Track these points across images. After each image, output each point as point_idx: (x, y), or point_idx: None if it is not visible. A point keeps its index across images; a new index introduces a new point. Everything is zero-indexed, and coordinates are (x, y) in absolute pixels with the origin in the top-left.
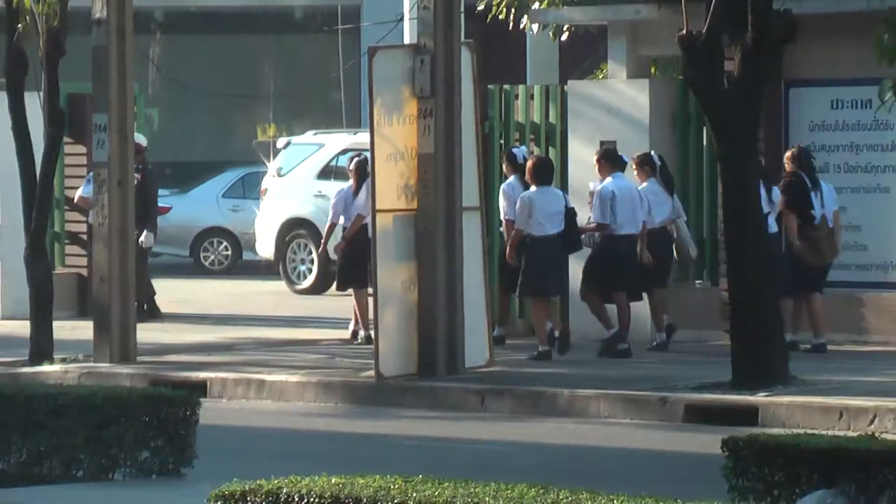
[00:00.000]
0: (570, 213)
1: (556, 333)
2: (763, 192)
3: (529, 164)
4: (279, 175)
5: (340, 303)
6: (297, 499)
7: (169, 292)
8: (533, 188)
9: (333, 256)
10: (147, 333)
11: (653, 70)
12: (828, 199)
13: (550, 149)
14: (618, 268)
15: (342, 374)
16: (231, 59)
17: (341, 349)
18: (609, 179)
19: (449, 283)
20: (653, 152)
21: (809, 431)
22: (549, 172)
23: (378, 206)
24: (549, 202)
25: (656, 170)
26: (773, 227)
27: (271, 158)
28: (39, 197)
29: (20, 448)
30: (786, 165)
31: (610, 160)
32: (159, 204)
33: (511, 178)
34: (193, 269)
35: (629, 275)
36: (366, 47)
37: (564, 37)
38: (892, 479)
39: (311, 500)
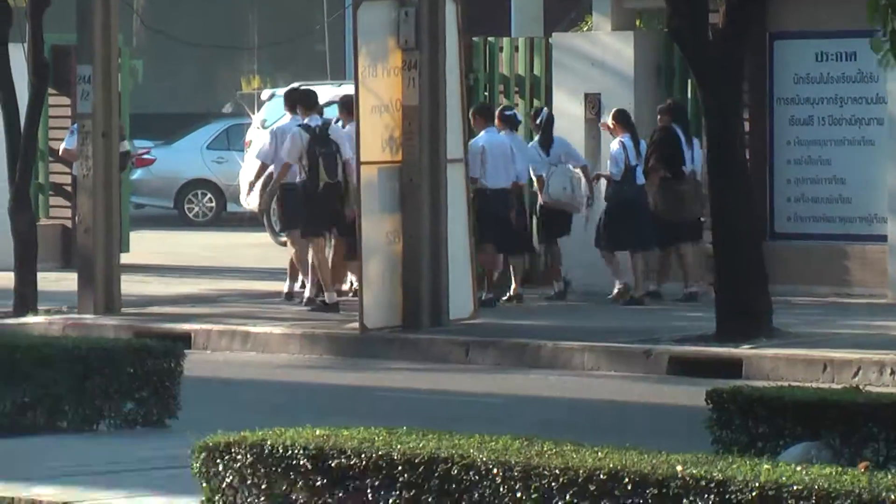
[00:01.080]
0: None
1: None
2: (631, 144)
3: (473, 109)
4: (263, 127)
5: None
6: (281, 450)
7: (153, 244)
8: (482, 134)
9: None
10: (131, 285)
11: (638, 22)
12: (697, 155)
13: (535, 100)
14: (486, 222)
15: (326, 325)
16: (215, 10)
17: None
18: (482, 133)
19: (433, 234)
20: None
21: (793, 384)
22: (513, 120)
23: (362, 158)
24: (500, 150)
25: (630, 125)
26: (639, 179)
27: (255, 110)
28: (23, 148)
29: (4, 399)
30: (658, 119)
31: (483, 115)
32: (145, 156)
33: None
34: (178, 220)
35: (500, 229)
36: None
37: None
38: (875, 432)
39: (296, 451)
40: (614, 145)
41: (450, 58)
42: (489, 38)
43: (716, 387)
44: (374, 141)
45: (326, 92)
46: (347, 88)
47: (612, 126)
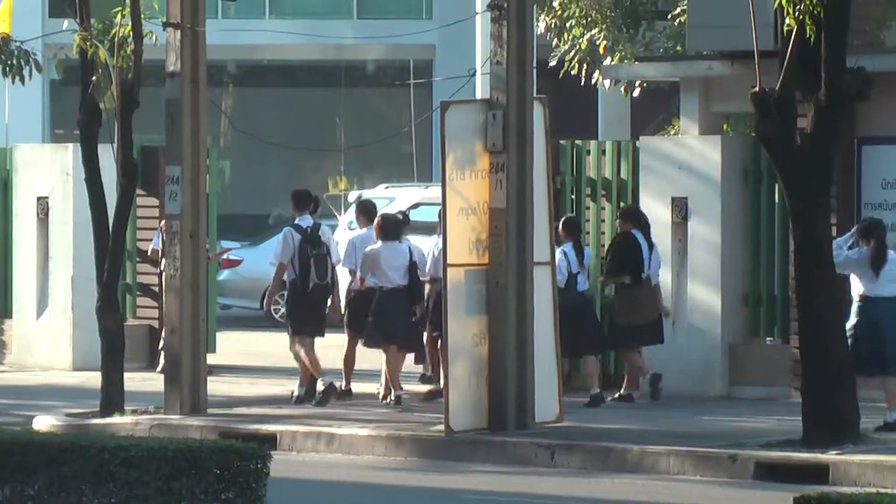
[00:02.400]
0: (413, 267)
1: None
2: (573, 252)
3: (376, 221)
4: (350, 228)
5: (409, 356)
6: None
7: (239, 344)
8: (379, 243)
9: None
10: (217, 385)
11: (725, 126)
12: (655, 260)
13: (622, 204)
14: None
15: (412, 427)
16: (303, 111)
17: (411, 403)
18: (363, 230)
19: (519, 337)
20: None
21: (882, 490)
22: (396, 229)
23: (449, 261)
24: (395, 256)
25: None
26: (581, 286)
27: (343, 212)
28: (112, 248)
29: (91, 500)
30: (618, 224)
31: (364, 212)
32: (232, 256)
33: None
34: (264, 321)
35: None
36: (438, 101)
37: (636, 93)
38: None
39: None
40: (557, 254)
41: (537, 160)
42: (576, 141)
43: (803, 493)
44: (461, 243)
45: (414, 194)
46: (434, 190)
47: (560, 233)
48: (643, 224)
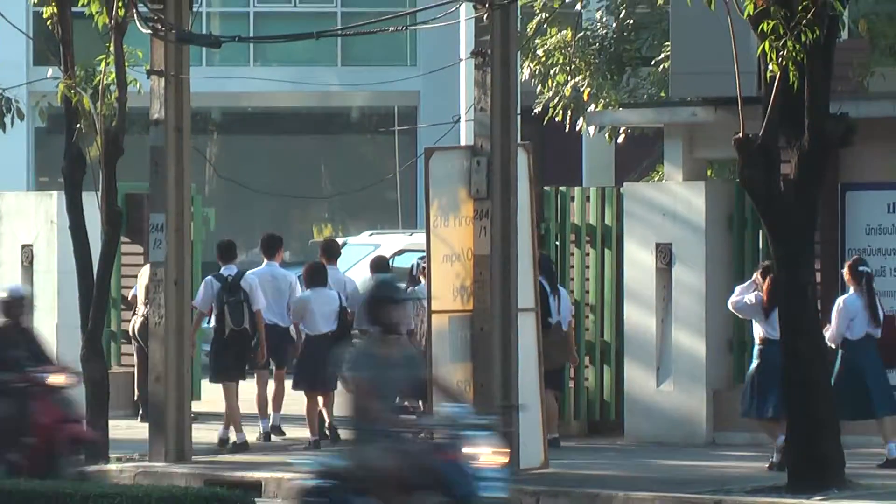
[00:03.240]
0: (343, 313)
1: (327, 425)
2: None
3: (304, 269)
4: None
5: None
6: None
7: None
8: (307, 290)
9: None
10: (203, 433)
11: (709, 172)
12: (564, 305)
13: (606, 250)
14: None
15: None
16: (287, 159)
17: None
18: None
19: (504, 383)
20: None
21: None
22: (323, 276)
23: (434, 307)
24: (323, 303)
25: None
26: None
27: None
28: (96, 296)
29: None
30: None
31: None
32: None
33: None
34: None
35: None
36: (422, 148)
37: (620, 139)
38: None
39: None
40: None
41: (521, 207)
42: (561, 188)
43: None
44: (446, 289)
45: (398, 241)
46: (419, 237)
47: (421, 276)
48: (547, 271)
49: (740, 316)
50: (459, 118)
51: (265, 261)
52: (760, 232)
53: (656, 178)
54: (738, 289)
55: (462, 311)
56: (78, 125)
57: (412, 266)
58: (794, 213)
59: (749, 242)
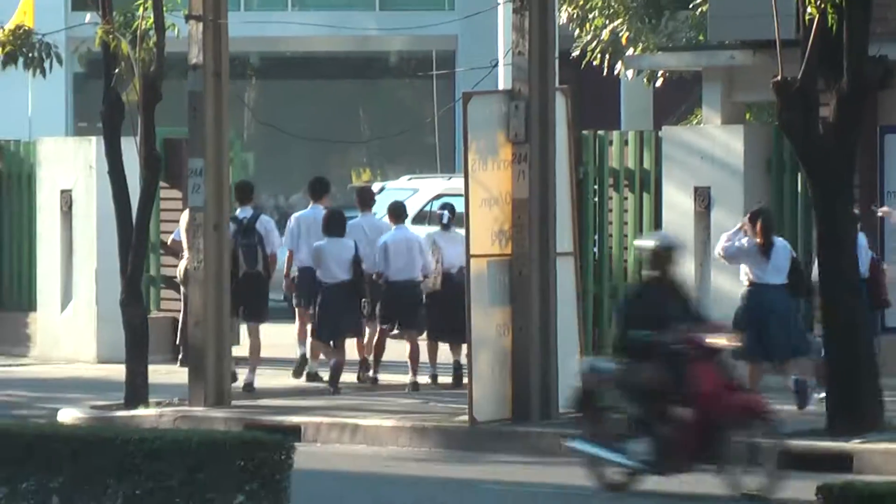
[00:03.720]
0: (357, 261)
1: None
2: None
3: (323, 217)
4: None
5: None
6: None
7: (264, 336)
8: (324, 239)
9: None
10: (242, 377)
11: (747, 116)
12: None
13: (645, 194)
14: (395, 308)
15: (436, 418)
16: (326, 103)
17: (435, 394)
18: (392, 231)
19: (543, 327)
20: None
21: None
22: (340, 225)
23: (472, 251)
24: (339, 252)
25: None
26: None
27: None
28: (135, 241)
29: (116, 492)
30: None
31: (393, 214)
32: None
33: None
34: (288, 313)
35: (407, 315)
36: (460, 92)
37: (659, 83)
38: None
39: None
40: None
41: (559, 151)
42: (599, 132)
43: (826, 481)
44: (484, 234)
45: (436, 185)
46: (457, 181)
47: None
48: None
49: (730, 263)
50: (497, 62)
51: (311, 203)
52: (799, 175)
53: (695, 122)
54: (724, 235)
55: (501, 255)
56: (116, 70)
57: (440, 214)
58: (833, 156)
59: (788, 186)
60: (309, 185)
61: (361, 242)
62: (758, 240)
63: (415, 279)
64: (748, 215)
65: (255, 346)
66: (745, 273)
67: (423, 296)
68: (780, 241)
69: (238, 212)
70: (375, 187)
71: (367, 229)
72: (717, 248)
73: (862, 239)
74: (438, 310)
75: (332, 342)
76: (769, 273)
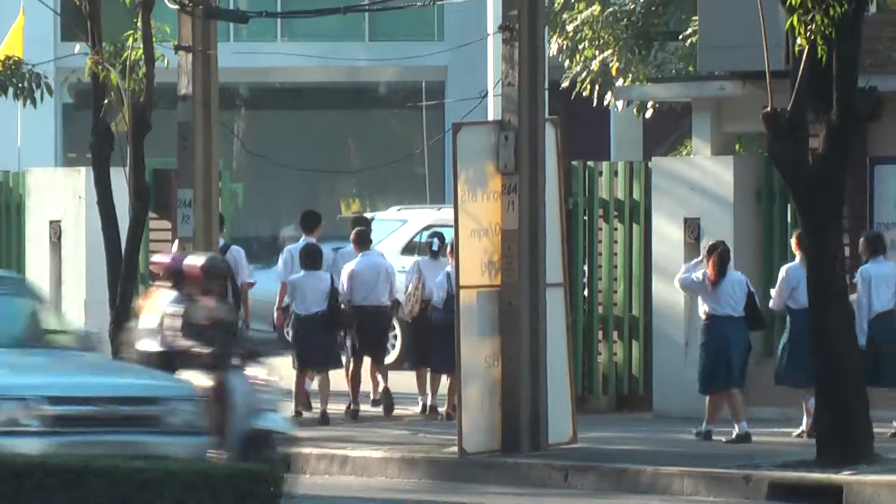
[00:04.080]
0: (333, 293)
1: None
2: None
3: (300, 250)
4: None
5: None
6: None
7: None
8: (301, 272)
9: None
10: None
11: (737, 146)
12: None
13: (634, 225)
14: (361, 333)
15: (425, 449)
16: (315, 134)
17: (424, 425)
18: (358, 258)
19: (532, 358)
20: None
21: None
22: (316, 259)
23: (462, 282)
24: (315, 284)
25: None
26: None
27: None
28: (124, 272)
29: None
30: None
31: (358, 242)
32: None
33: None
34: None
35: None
36: (450, 123)
37: (648, 113)
38: None
39: None
40: (440, 276)
41: (549, 182)
42: (588, 162)
43: None
44: (473, 265)
45: (426, 216)
46: (447, 212)
47: (448, 256)
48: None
49: (686, 293)
50: (487, 93)
51: (303, 236)
52: (789, 206)
53: (684, 153)
54: (684, 266)
55: (490, 285)
56: (106, 101)
57: (429, 242)
58: (823, 188)
59: (777, 217)
60: (301, 217)
61: (368, 284)
62: (709, 273)
63: (381, 304)
64: (707, 248)
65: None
66: (701, 307)
67: (396, 322)
68: (736, 275)
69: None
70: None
71: (368, 268)
72: (676, 279)
73: (800, 269)
74: (416, 337)
75: (310, 372)
76: (723, 306)
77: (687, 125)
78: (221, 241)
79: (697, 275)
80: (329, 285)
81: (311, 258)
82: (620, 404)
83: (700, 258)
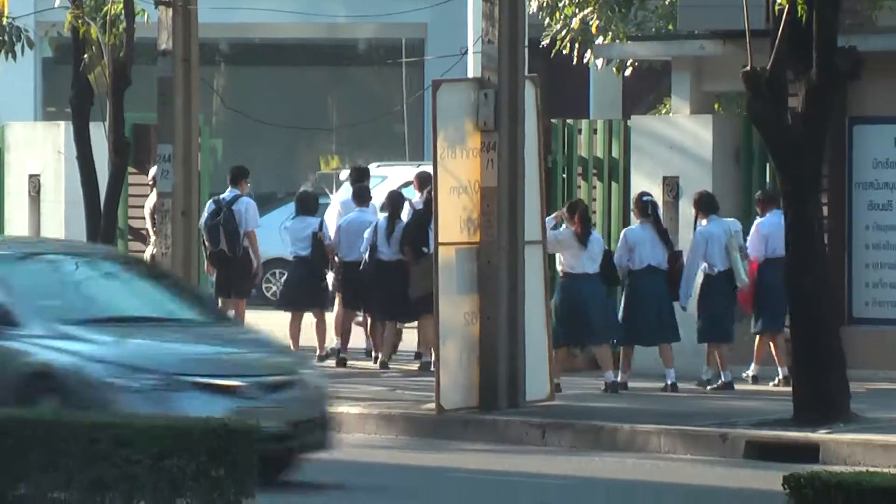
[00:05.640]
0: (315, 237)
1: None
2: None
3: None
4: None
5: (405, 334)
6: None
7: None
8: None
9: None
10: None
11: (716, 106)
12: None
13: (613, 184)
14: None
15: (403, 406)
16: (295, 90)
17: (402, 381)
18: (353, 213)
19: (511, 316)
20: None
21: (871, 469)
22: (308, 203)
23: (441, 239)
24: (301, 229)
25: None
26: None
27: (334, 190)
28: (103, 226)
29: (82, 478)
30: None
31: (357, 197)
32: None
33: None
34: (256, 299)
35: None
36: (430, 80)
37: (628, 72)
38: None
39: None
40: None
41: (528, 139)
42: (568, 121)
43: (793, 471)
44: (453, 222)
45: (405, 172)
46: (426, 169)
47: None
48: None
49: (554, 251)
50: (467, 50)
51: (229, 188)
52: (768, 166)
53: (664, 112)
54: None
55: (469, 243)
56: (85, 56)
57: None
58: (802, 147)
59: (756, 176)
60: (230, 171)
61: (351, 239)
62: (575, 229)
63: (361, 259)
64: (566, 207)
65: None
66: (559, 264)
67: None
68: (594, 234)
69: (226, 193)
70: (344, 174)
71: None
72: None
73: (639, 231)
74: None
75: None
76: (584, 262)
77: (666, 84)
78: (231, 194)
79: (560, 232)
80: (312, 230)
81: (300, 204)
82: (597, 364)
83: (555, 216)
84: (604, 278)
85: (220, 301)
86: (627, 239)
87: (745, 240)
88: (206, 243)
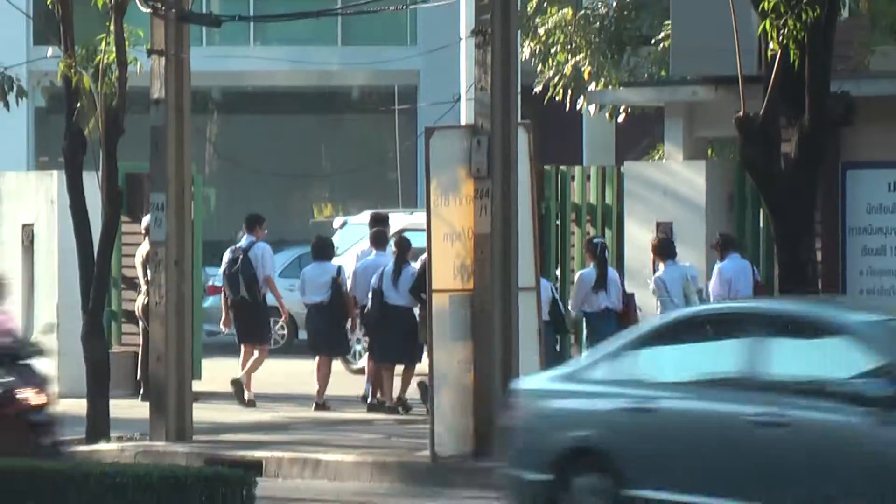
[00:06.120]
0: (336, 283)
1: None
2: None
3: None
4: (336, 254)
5: (395, 383)
6: None
7: (225, 371)
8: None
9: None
10: (203, 412)
11: (709, 152)
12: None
13: (606, 230)
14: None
15: (398, 453)
16: (288, 138)
17: (396, 428)
18: (370, 257)
19: (505, 362)
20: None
21: None
22: (324, 249)
23: (434, 286)
24: (318, 275)
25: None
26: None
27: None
28: (97, 276)
29: None
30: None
31: (374, 241)
32: (215, 283)
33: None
34: (288, 346)
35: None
36: (422, 127)
37: (621, 118)
38: None
39: None
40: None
41: (522, 186)
42: (561, 167)
43: None
44: (446, 269)
45: (399, 220)
46: (419, 216)
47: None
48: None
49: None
50: (459, 97)
51: (245, 235)
52: (761, 211)
53: (657, 158)
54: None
55: (462, 290)
56: (78, 105)
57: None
58: (795, 193)
59: (749, 221)
60: (245, 220)
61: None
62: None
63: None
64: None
65: (250, 363)
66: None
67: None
68: (544, 282)
69: (242, 241)
70: (337, 222)
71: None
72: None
73: (592, 273)
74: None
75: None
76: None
77: (659, 130)
78: (245, 242)
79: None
80: (331, 276)
81: (317, 249)
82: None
83: None
84: (553, 326)
85: (241, 348)
86: (584, 281)
87: (706, 283)
88: (227, 292)
